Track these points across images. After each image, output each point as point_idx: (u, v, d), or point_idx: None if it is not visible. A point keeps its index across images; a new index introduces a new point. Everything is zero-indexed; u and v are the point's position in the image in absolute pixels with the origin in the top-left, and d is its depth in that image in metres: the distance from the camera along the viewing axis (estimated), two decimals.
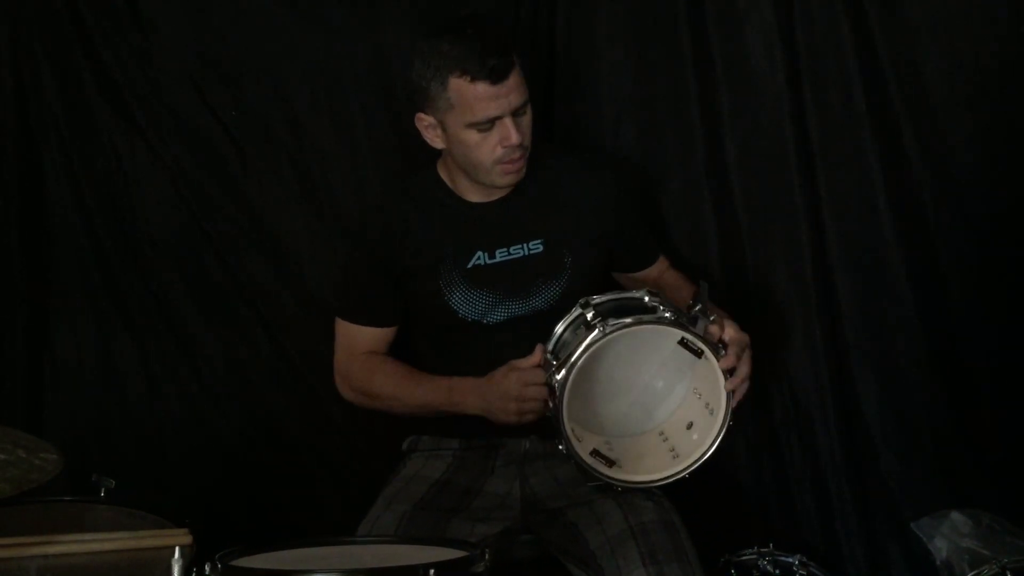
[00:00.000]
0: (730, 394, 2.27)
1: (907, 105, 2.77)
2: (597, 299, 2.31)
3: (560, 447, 2.26)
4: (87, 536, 2.07)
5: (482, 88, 2.35)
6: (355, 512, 2.46)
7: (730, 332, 2.29)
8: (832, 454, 2.81)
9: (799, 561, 2.59)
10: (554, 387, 2.23)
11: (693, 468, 2.31)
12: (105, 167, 2.87)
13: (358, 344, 2.61)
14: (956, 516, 2.72)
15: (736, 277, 2.86)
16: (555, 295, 2.53)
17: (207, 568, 1.85)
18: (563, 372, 2.21)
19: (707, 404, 2.32)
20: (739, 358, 2.29)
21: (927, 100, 2.77)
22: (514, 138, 2.38)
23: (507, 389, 2.34)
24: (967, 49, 2.76)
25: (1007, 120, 2.77)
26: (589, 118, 2.91)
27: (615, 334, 2.20)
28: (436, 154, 2.57)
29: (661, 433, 2.35)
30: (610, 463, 2.30)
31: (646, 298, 2.31)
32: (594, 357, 2.23)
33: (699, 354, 2.27)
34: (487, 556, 1.90)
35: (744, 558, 2.60)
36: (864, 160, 2.78)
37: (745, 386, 2.31)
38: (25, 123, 2.84)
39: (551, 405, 2.26)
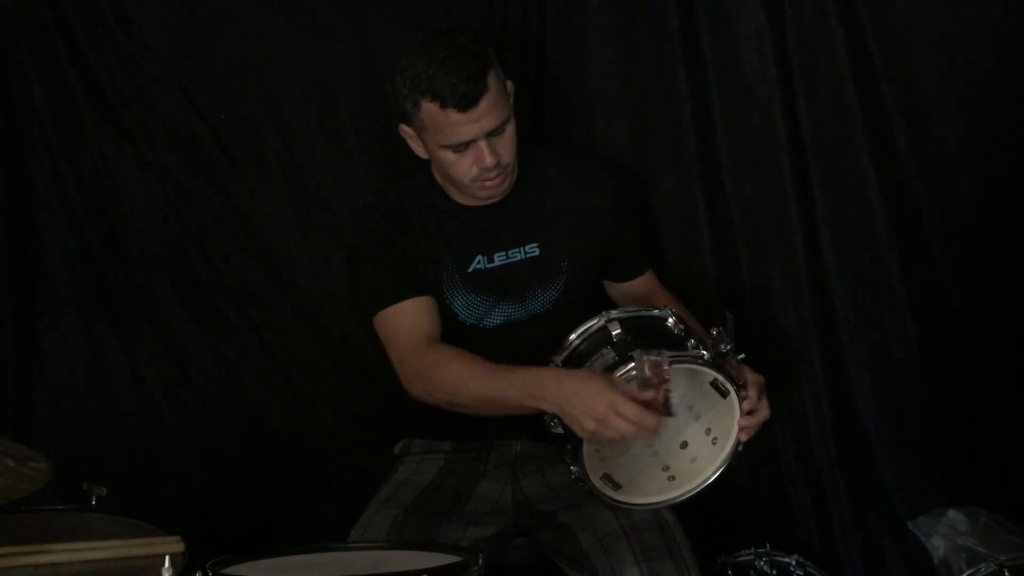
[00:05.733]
0: (739, 435, 2.21)
1: (899, 104, 2.76)
2: (618, 314, 2.24)
3: (572, 468, 2.20)
4: (79, 545, 2.07)
5: (452, 115, 2.31)
6: (347, 517, 2.44)
7: (746, 374, 2.24)
8: (827, 453, 2.81)
9: (796, 561, 2.59)
10: None
11: (691, 494, 2.26)
12: (93, 172, 2.86)
13: (407, 326, 2.41)
14: (953, 514, 2.72)
15: (729, 277, 2.85)
16: (551, 299, 2.51)
17: None
18: None
19: (714, 439, 2.26)
20: (759, 399, 2.24)
21: (919, 99, 2.76)
22: (488, 160, 2.35)
23: (595, 406, 2.13)
24: (959, 47, 2.75)
25: (1000, 119, 2.76)
26: (580, 118, 2.91)
27: None
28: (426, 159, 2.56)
29: (666, 468, 2.30)
30: (616, 487, 2.24)
31: (670, 320, 2.26)
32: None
33: (725, 395, 2.20)
34: (480, 561, 1.89)
35: (741, 559, 2.60)
36: (857, 158, 2.77)
37: (757, 428, 2.25)
38: (11, 129, 2.83)
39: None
